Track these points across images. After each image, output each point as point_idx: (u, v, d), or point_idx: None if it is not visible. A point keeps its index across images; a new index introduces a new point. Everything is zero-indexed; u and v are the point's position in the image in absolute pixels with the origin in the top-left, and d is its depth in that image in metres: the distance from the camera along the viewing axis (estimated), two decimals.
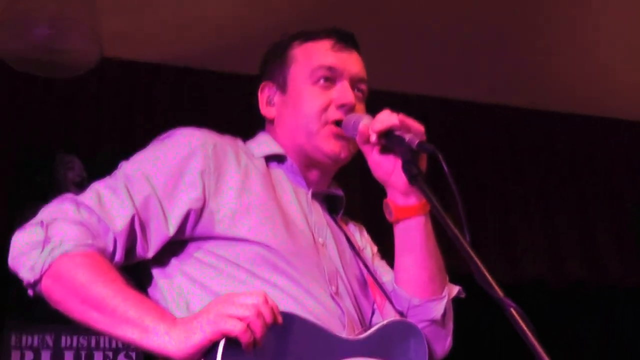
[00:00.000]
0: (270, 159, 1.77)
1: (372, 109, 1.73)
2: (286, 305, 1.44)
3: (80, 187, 4.02)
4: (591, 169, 5.20)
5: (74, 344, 3.94)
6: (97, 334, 3.91)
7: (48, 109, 4.20)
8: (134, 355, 4.00)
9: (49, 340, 3.90)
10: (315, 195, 1.80)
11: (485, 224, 4.74)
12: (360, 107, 1.79)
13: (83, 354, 3.94)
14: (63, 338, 3.92)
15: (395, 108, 1.62)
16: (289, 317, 1.40)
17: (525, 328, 1.20)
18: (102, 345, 3.98)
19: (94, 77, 4.05)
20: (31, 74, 3.65)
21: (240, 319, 1.28)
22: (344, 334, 1.55)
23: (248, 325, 1.28)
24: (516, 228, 4.88)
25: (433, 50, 4.36)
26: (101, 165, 3.95)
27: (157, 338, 1.33)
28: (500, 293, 1.26)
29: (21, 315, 3.81)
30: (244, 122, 4.59)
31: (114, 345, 3.99)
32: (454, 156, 1.35)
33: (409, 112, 1.63)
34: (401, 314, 1.71)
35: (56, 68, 3.47)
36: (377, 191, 1.75)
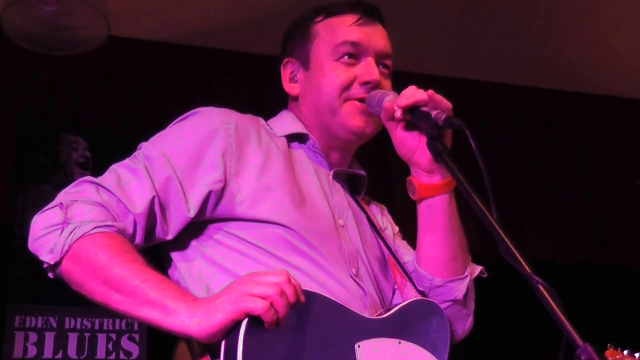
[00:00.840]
0: (292, 138, 1.74)
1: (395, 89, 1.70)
2: (308, 286, 1.41)
3: (85, 167, 4.02)
4: (598, 148, 5.19)
5: (78, 326, 3.94)
6: (103, 315, 3.91)
7: (52, 87, 4.17)
8: (137, 337, 4.01)
9: (53, 322, 3.89)
10: (337, 176, 1.77)
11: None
12: (386, 83, 1.75)
13: (87, 336, 3.94)
14: (67, 320, 3.91)
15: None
16: (311, 297, 1.38)
17: (554, 305, 1.18)
18: (105, 327, 3.98)
19: (100, 56, 4.02)
20: (37, 51, 3.61)
21: (264, 297, 1.27)
22: (366, 314, 1.54)
23: (271, 304, 1.26)
24: (524, 208, 4.87)
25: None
26: (106, 145, 3.95)
27: (179, 318, 1.31)
28: (529, 270, 1.24)
29: (25, 297, 3.80)
30: (250, 101, 4.56)
31: (117, 327, 3.99)
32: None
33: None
34: (423, 294, 1.68)
35: (62, 46, 3.43)
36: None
